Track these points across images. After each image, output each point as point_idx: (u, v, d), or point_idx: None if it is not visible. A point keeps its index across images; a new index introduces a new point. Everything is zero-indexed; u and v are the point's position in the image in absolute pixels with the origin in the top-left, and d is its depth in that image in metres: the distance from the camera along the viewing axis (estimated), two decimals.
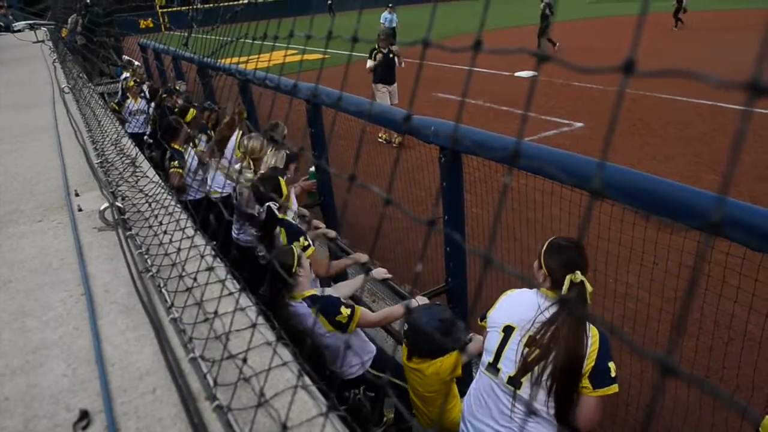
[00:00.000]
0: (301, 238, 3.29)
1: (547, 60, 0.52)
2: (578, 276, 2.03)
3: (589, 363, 1.98)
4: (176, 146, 5.08)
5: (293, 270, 2.71)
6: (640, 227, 2.80)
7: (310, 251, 3.27)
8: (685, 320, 0.38)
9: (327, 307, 2.70)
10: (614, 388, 1.99)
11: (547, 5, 16.41)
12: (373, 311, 3.19)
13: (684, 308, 0.40)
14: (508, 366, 2.10)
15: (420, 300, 3.18)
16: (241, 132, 4.63)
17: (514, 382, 2.08)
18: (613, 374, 1.99)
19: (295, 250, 2.79)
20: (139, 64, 9.19)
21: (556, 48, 16.76)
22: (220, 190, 4.76)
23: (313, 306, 2.70)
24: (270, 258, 2.77)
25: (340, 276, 4.15)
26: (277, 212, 3.38)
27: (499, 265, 0.60)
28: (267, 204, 3.41)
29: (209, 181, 4.83)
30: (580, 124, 9.59)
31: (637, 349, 0.45)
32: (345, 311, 2.69)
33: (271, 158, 4.10)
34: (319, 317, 2.70)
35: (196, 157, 4.74)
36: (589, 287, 2.05)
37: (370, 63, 9.54)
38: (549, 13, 16.42)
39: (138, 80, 7.59)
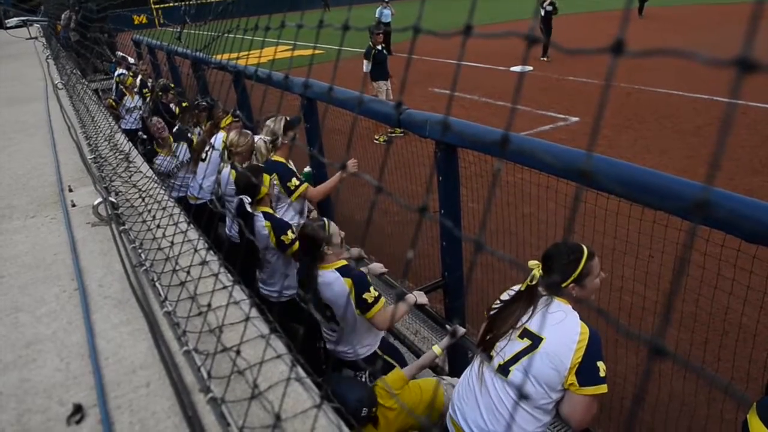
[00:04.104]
0: (289, 232, 3.32)
1: (537, 42, 0.51)
2: None
3: (576, 358, 1.99)
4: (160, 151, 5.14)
5: (322, 246, 2.78)
6: (636, 220, 2.81)
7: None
8: (675, 296, 0.37)
9: (360, 281, 2.78)
10: (603, 388, 1.99)
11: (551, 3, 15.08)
12: None
13: (675, 284, 0.40)
14: (501, 355, 2.15)
15: (417, 294, 3.18)
16: (225, 135, 4.60)
17: (503, 370, 2.12)
18: (602, 374, 1.99)
19: (328, 226, 2.83)
20: (143, 61, 9.14)
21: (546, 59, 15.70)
22: (196, 195, 4.72)
23: (345, 276, 2.78)
24: (307, 228, 2.84)
25: None
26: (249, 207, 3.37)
27: (491, 251, 0.60)
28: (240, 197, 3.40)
29: (189, 183, 4.81)
30: (575, 119, 9.60)
31: (626, 330, 0.44)
32: (373, 292, 2.77)
33: (272, 123, 4.06)
34: (349, 285, 2.77)
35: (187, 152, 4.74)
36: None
37: (366, 64, 9.36)
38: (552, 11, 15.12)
39: (143, 78, 7.60)
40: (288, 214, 4.09)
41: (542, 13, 15.00)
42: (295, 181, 3.88)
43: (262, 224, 3.32)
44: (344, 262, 2.89)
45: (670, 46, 0.44)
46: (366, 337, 3.00)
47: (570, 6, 27.40)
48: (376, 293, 2.78)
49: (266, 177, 3.34)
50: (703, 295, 3.00)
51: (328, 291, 2.81)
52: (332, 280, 2.79)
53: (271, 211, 3.47)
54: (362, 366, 2.95)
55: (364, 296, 2.75)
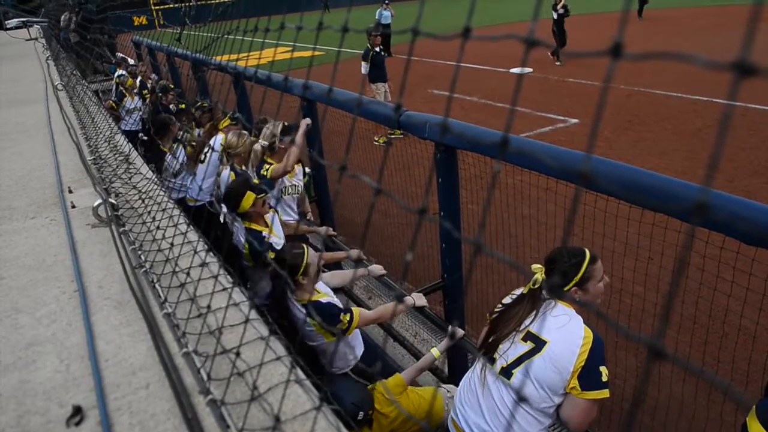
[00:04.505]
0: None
1: (536, 45, 0.51)
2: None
3: (579, 362, 1.99)
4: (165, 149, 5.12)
5: (297, 274, 2.70)
6: (635, 222, 2.81)
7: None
8: (674, 298, 0.38)
9: (327, 318, 2.70)
10: (605, 393, 1.99)
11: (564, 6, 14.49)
12: (369, 308, 3.18)
13: (674, 284, 0.40)
14: (503, 358, 2.15)
15: (416, 296, 3.18)
16: (224, 137, 4.60)
17: (506, 372, 2.12)
18: (604, 379, 1.99)
19: (306, 256, 2.73)
20: (142, 62, 9.14)
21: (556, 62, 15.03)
22: (195, 198, 4.71)
23: (311, 314, 2.70)
24: (281, 255, 2.78)
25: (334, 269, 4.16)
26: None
27: (490, 253, 0.60)
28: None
29: (188, 185, 4.80)
30: (575, 120, 9.61)
31: (625, 332, 0.44)
32: (345, 318, 2.70)
33: (269, 128, 4.10)
34: (317, 329, 2.73)
35: (184, 154, 4.74)
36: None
37: (365, 66, 9.35)
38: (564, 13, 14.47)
39: (143, 79, 7.61)
40: (285, 213, 4.10)
41: (555, 16, 14.56)
42: (266, 166, 3.90)
43: (241, 242, 3.31)
44: (316, 298, 2.81)
45: (669, 49, 0.44)
46: (337, 360, 2.98)
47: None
48: (348, 316, 2.72)
49: (251, 195, 3.26)
50: (702, 297, 3.00)
51: (298, 322, 2.77)
52: (301, 317, 2.76)
53: (257, 227, 3.38)
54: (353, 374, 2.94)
55: (337, 326, 2.69)
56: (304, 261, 2.71)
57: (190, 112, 5.43)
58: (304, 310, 2.73)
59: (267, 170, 3.87)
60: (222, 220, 3.17)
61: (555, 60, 15.02)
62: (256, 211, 3.32)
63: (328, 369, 2.92)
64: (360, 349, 3.06)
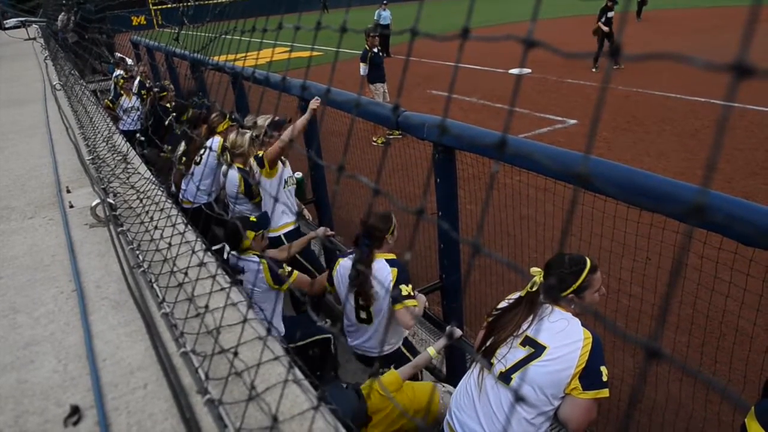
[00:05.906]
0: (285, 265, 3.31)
1: (535, 45, 0.52)
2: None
3: (579, 364, 2.00)
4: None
5: (386, 235, 2.97)
6: (633, 223, 2.81)
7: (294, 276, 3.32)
8: (671, 298, 0.38)
9: (403, 272, 2.90)
10: (605, 392, 2.00)
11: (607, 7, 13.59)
12: None
13: (671, 285, 0.40)
14: (502, 362, 2.14)
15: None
16: (222, 139, 4.57)
17: (505, 377, 2.11)
18: (604, 378, 2.00)
19: (393, 219, 3.01)
20: (142, 62, 9.12)
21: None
22: (191, 200, 4.69)
23: (392, 266, 2.91)
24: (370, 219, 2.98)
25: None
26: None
27: (488, 254, 0.60)
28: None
29: (184, 187, 4.79)
30: (573, 121, 9.62)
31: (622, 333, 0.45)
32: (410, 288, 2.87)
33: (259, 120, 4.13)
34: (393, 275, 2.88)
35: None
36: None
37: (363, 67, 9.33)
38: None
39: (143, 79, 7.59)
40: (286, 212, 4.09)
41: (603, 19, 13.77)
42: (260, 153, 3.93)
43: (256, 267, 3.27)
44: (393, 256, 3.01)
45: (668, 50, 0.44)
46: (392, 335, 3.08)
47: (567, 9, 27.45)
48: (413, 292, 2.86)
49: (250, 234, 3.27)
50: (700, 298, 3.01)
51: (373, 278, 2.93)
52: (381, 266, 2.91)
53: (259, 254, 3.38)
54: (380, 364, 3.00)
55: (400, 286, 2.82)
56: (393, 223, 3.06)
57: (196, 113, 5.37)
58: (383, 263, 2.92)
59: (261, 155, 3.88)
60: (225, 257, 3.16)
61: (614, 65, 13.09)
62: (256, 245, 3.36)
63: (381, 347, 3.08)
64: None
